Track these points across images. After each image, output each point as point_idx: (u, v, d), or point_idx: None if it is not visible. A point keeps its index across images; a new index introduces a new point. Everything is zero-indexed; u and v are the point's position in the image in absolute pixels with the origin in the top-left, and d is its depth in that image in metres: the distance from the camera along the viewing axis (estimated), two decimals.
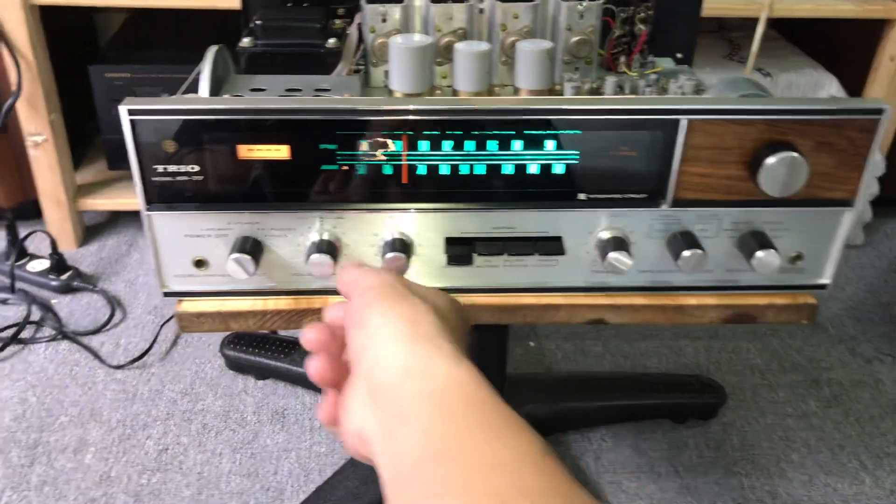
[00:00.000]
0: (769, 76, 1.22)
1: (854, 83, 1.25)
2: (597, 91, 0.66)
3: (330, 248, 0.56)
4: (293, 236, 0.57)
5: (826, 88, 1.23)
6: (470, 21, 0.70)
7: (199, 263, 0.57)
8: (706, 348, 1.10)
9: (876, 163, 1.23)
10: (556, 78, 0.71)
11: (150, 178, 0.53)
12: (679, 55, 0.80)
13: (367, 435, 0.39)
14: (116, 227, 1.31)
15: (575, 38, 0.71)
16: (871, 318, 1.16)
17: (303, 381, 0.98)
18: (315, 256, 0.55)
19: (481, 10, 0.70)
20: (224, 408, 0.97)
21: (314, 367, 0.42)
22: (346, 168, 0.55)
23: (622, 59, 0.76)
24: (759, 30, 1.02)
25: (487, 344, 0.82)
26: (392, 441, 0.36)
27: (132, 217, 1.32)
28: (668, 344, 1.10)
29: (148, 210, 0.55)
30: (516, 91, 0.66)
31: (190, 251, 0.57)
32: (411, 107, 0.53)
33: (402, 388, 0.37)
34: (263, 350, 0.99)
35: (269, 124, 0.53)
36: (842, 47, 1.31)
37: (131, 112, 0.51)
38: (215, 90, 0.62)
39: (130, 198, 1.23)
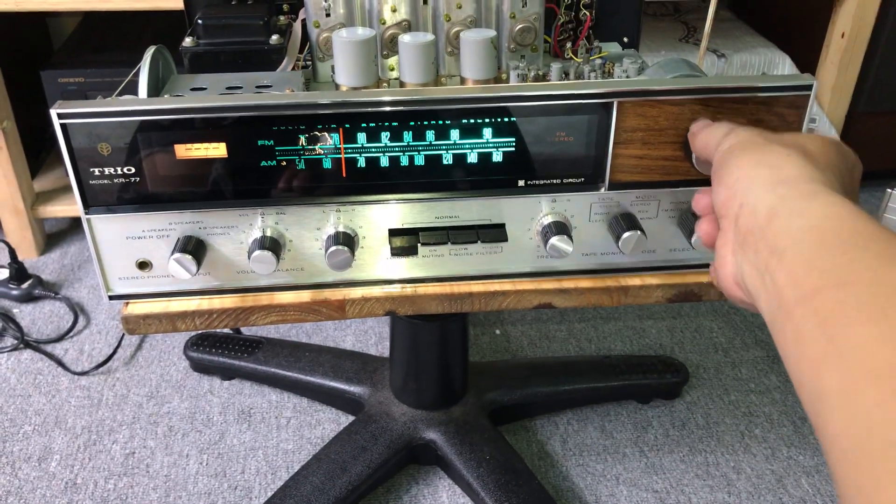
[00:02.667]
0: (724, 57, 1.23)
1: (807, 61, 1.26)
2: (542, 78, 0.66)
3: (273, 245, 0.56)
4: (235, 234, 0.57)
5: (779, 67, 1.24)
6: (414, 12, 0.70)
7: (143, 265, 0.57)
8: (669, 328, 1.11)
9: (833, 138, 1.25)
10: (502, 66, 0.71)
11: (88, 181, 0.53)
12: (625, 39, 0.80)
13: (742, 280, 0.39)
14: (78, 233, 1.30)
15: (519, 26, 0.71)
16: None
17: (268, 380, 0.98)
18: (257, 253, 0.55)
19: (425, 2, 0.70)
20: (190, 409, 0.96)
21: (702, 229, 0.46)
22: (284, 163, 0.55)
23: (568, 45, 0.76)
24: (711, 11, 1.03)
25: (448, 332, 0.82)
26: (770, 280, 0.36)
27: None
28: (631, 325, 1.11)
29: (87, 214, 0.54)
30: (462, 81, 0.66)
31: (132, 253, 0.56)
32: (346, 99, 0.53)
33: (771, 228, 0.37)
34: (228, 350, 0.99)
35: (205, 123, 0.52)
36: (794, 25, 1.32)
37: (61, 116, 0.51)
38: (155, 91, 0.62)
39: None
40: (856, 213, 0.36)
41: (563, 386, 0.95)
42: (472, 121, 0.54)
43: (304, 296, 0.59)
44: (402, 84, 0.66)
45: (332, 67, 0.69)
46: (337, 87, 0.64)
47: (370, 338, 1.08)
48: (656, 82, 0.54)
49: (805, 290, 0.34)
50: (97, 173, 0.53)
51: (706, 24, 1.01)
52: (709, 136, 0.48)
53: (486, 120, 0.54)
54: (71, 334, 1.08)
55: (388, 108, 0.53)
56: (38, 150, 1.30)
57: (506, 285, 0.60)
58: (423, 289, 0.60)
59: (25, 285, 1.13)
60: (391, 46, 0.70)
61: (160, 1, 1.04)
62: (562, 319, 1.12)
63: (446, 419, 0.85)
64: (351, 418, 0.92)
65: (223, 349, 0.99)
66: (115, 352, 1.04)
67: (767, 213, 0.38)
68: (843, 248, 0.34)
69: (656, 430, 0.95)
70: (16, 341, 1.05)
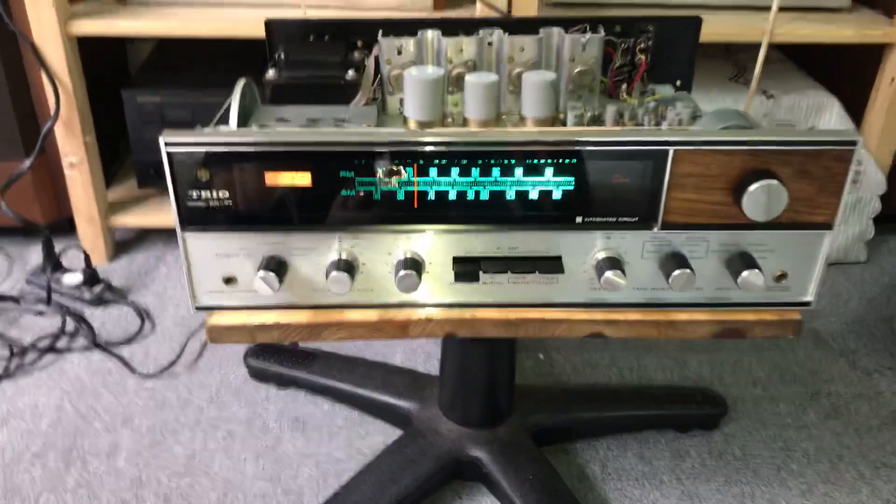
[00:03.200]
0: (772, 98, 1.26)
1: (855, 104, 1.28)
2: (598, 119, 0.71)
3: (347, 267, 0.61)
4: (314, 255, 0.62)
5: (828, 110, 1.26)
6: (479, 53, 0.75)
7: (229, 280, 0.63)
8: (710, 361, 1.13)
9: (879, 181, 1.27)
10: (561, 106, 0.76)
11: (185, 203, 0.59)
12: (678, 82, 0.84)
13: None
14: (145, 242, 1.37)
15: (578, 69, 0.75)
16: (873, 332, 1.20)
17: (322, 390, 1.03)
18: (334, 274, 0.60)
19: (490, 43, 0.75)
20: (248, 415, 1.02)
21: None
22: (362, 193, 0.60)
23: (623, 86, 0.81)
24: (761, 55, 1.07)
25: (496, 356, 0.86)
26: None
27: (160, 233, 1.38)
28: (672, 357, 1.14)
29: (183, 231, 0.60)
30: (522, 119, 0.71)
31: (220, 269, 0.62)
32: (421, 139, 0.58)
33: None
34: (284, 361, 1.04)
35: (292, 154, 0.58)
36: (843, 70, 1.35)
37: (168, 144, 0.56)
38: (243, 121, 0.68)
39: (159, 215, 1.29)
40: None
41: (604, 412, 0.98)
42: (534, 161, 0.59)
43: (372, 315, 0.64)
44: (465, 120, 0.70)
45: (401, 101, 0.74)
46: (405, 120, 0.69)
47: (419, 356, 1.13)
48: (710, 133, 0.58)
49: None
50: (195, 196, 0.59)
51: (756, 66, 1.05)
52: None
53: (548, 161, 0.59)
54: (138, 338, 1.14)
55: (459, 149, 0.58)
56: (111, 163, 1.38)
57: (560, 314, 0.64)
58: (481, 313, 0.64)
59: (97, 290, 1.20)
60: (456, 84, 0.75)
61: (244, 30, 1.11)
62: (605, 348, 1.15)
63: (491, 438, 0.89)
64: (399, 432, 0.96)
65: (281, 359, 1.04)
66: (178, 357, 1.10)
67: None
68: None
69: (694, 460, 0.97)
70: (87, 342, 1.12)
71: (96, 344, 1.12)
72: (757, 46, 1.08)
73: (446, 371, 0.90)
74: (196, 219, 0.60)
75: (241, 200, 0.59)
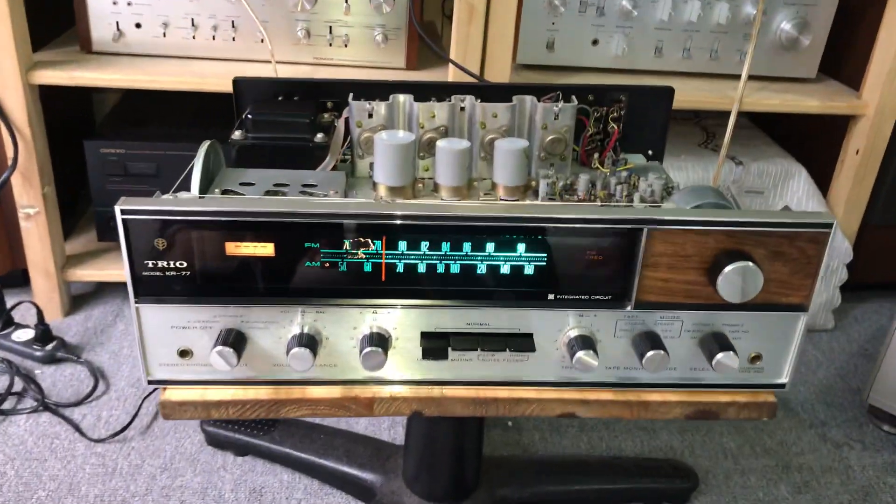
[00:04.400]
0: (741, 164, 1.27)
1: (822, 173, 1.30)
2: (570, 187, 0.70)
3: (310, 342, 0.58)
4: (275, 329, 0.59)
5: (795, 178, 1.28)
6: (451, 118, 0.74)
7: (184, 353, 0.59)
8: (680, 430, 1.11)
9: (845, 250, 1.28)
10: (532, 172, 0.75)
11: (141, 273, 0.56)
12: (650, 152, 0.84)
13: None
14: (103, 296, 1.32)
15: (550, 137, 0.75)
16: (842, 403, 1.19)
17: (281, 459, 0.99)
18: (296, 350, 0.57)
19: (462, 108, 0.74)
20: (202, 484, 0.97)
21: None
22: (328, 265, 0.58)
23: (595, 155, 0.80)
24: (731, 122, 1.08)
25: (464, 428, 0.83)
26: None
27: (119, 287, 1.33)
28: (642, 426, 1.12)
29: (137, 303, 0.57)
30: (494, 186, 0.70)
31: (175, 341, 0.59)
32: (390, 212, 0.56)
33: None
34: (243, 427, 1.00)
35: (255, 224, 0.56)
36: (811, 138, 1.37)
37: (124, 212, 0.54)
38: (206, 184, 0.65)
39: (118, 269, 1.25)
40: None
41: (573, 486, 0.95)
42: (506, 236, 0.57)
43: (335, 391, 0.61)
44: (436, 186, 0.69)
45: (371, 165, 0.72)
46: (374, 184, 0.67)
47: (383, 422, 1.09)
48: (685, 212, 0.57)
49: None
50: (150, 265, 0.56)
51: (726, 133, 1.06)
52: None
53: (520, 236, 0.57)
54: (90, 399, 1.09)
55: (430, 222, 0.56)
56: (69, 215, 1.34)
57: (530, 392, 0.62)
58: (449, 391, 0.62)
59: (49, 347, 1.15)
60: (427, 149, 0.74)
61: (211, 85, 1.10)
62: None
63: None
64: None
65: (240, 426, 1.00)
66: (132, 420, 1.05)
67: None
68: None
69: None
70: (36, 403, 1.07)
71: (45, 405, 1.07)
72: (725, 113, 1.10)
73: (411, 442, 0.87)
74: (151, 289, 0.57)
75: (199, 270, 0.57)
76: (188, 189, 0.63)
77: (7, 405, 1.07)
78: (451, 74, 1.14)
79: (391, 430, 1.08)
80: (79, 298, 1.31)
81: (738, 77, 1.08)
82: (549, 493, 0.94)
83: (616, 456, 1.05)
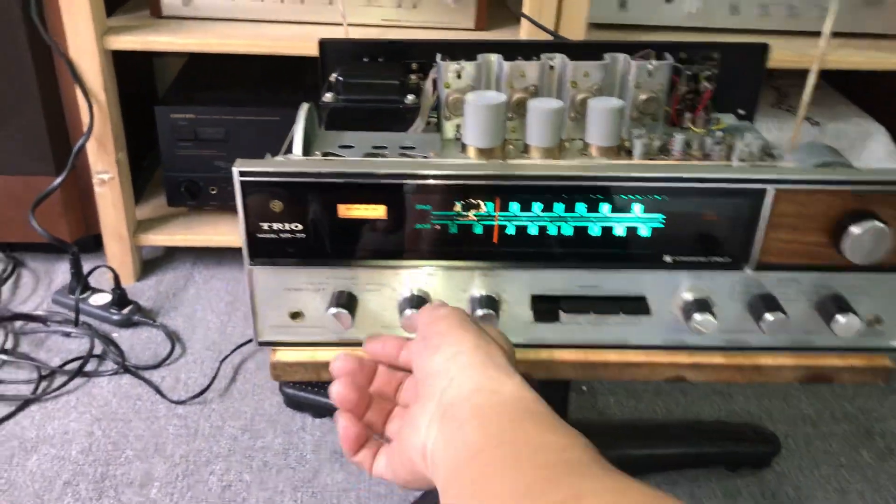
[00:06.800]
0: (818, 125, 1.24)
1: None
2: (665, 147, 0.68)
3: (421, 304, 0.58)
4: (386, 291, 0.59)
5: (874, 138, 1.24)
6: (541, 78, 0.72)
7: (295, 315, 0.59)
8: (756, 395, 1.10)
9: None
10: (623, 133, 0.73)
11: (256, 235, 0.56)
12: (741, 111, 0.82)
13: (428, 447, 0.43)
14: (173, 262, 1.34)
15: (644, 96, 0.73)
16: None
17: None
18: (408, 312, 0.57)
19: (552, 68, 0.73)
20: (284, 445, 0.98)
21: (336, 391, 0.51)
22: (438, 227, 0.57)
23: (686, 114, 0.78)
24: (810, 82, 1.04)
25: (550, 396, 0.83)
26: (452, 444, 0.41)
27: (188, 252, 1.35)
28: (718, 390, 1.11)
29: (251, 265, 0.57)
30: (586, 146, 0.68)
31: (287, 304, 0.59)
32: (507, 172, 0.55)
33: (470, 401, 0.42)
34: (322, 389, 1.01)
35: (368, 186, 0.55)
36: (891, 97, 1.32)
37: (242, 174, 0.53)
38: (306, 147, 0.65)
39: (187, 234, 1.26)
40: (536, 400, 0.43)
41: (654, 450, 0.95)
42: (622, 196, 0.56)
43: None
44: (525, 147, 0.68)
45: (457, 126, 0.71)
46: (463, 146, 0.66)
47: None
48: (812, 172, 0.55)
49: (473, 451, 0.40)
50: (265, 228, 0.56)
51: (805, 93, 1.03)
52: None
53: (638, 196, 0.56)
54: (168, 362, 1.11)
55: (547, 183, 0.55)
56: (140, 181, 1.35)
57: (640, 356, 0.61)
58: (559, 354, 0.61)
59: (126, 311, 1.17)
60: (517, 110, 0.73)
61: (283, 48, 1.09)
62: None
63: None
64: None
65: (318, 389, 1.01)
66: (211, 383, 1.07)
67: (473, 391, 0.43)
68: (511, 417, 0.41)
69: (746, 500, 0.94)
70: (116, 366, 1.09)
71: (126, 368, 1.09)
72: (798, 72, 1.06)
73: None
74: (266, 251, 0.57)
75: (312, 233, 0.56)
76: (292, 152, 0.63)
77: (89, 367, 1.09)
78: (523, 33, 1.11)
79: None
80: (149, 263, 1.33)
81: (817, 34, 1.04)
82: (630, 457, 0.94)
83: (697, 420, 1.04)
